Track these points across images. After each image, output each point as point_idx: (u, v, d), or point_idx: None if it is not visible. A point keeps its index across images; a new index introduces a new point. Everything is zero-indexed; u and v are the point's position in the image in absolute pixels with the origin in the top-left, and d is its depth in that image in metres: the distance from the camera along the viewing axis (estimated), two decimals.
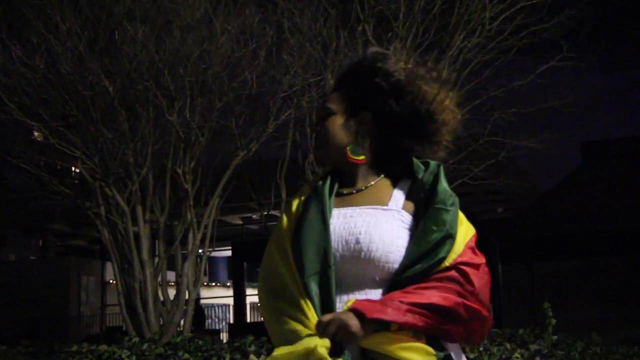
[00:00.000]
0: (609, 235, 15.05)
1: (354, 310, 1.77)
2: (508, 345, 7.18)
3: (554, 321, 7.00)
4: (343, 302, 1.85)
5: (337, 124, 2.04)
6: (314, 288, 1.85)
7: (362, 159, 2.04)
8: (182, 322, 9.77)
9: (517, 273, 17.42)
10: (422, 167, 2.02)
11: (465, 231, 1.94)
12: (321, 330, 1.77)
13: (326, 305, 1.84)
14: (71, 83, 9.51)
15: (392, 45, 9.80)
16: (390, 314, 1.77)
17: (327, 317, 1.78)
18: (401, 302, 1.79)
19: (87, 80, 9.39)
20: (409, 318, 1.78)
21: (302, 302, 1.84)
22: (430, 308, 1.80)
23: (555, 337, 7.29)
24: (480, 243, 2.00)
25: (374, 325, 1.78)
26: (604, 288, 17.52)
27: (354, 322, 1.76)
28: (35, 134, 11.49)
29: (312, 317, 1.82)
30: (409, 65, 2.07)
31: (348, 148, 2.03)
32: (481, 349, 7.07)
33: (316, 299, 1.84)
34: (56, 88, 9.67)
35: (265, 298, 2.00)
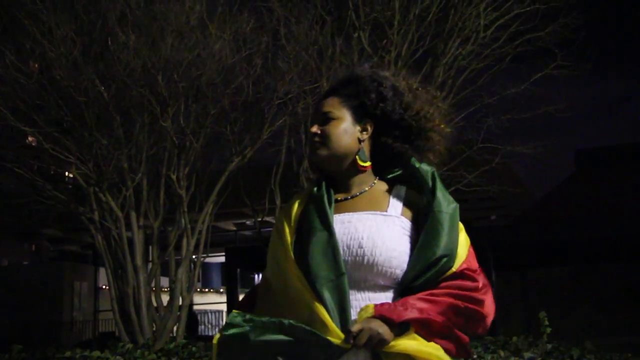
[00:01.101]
0: (602, 242, 15.08)
1: (380, 316, 1.79)
2: (502, 353, 7.18)
3: (548, 330, 7.00)
4: (354, 309, 1.87)
5: (339, 129, 2.05)
6: (327, 295, 1.86)
7: (369, 165, 2.07)
8: (175, 328, 9.74)
9: (511, 280, 17.44)
10: (420, 172, 2.04)
11: (465, 237, 1.98)
12: (351, 340, 1.77)
13: (340, 312, 1.85)
14: (65, 88, 9.50)
15: (389, 55, 9.84)
16: (413, 313, 1.80)
17: (356, 327, 1.79)
18: (417, 305, 1.83)
19: (81, 86, 9.37)
20: (429, 315, 1.82)
21: (318, 310, 1.84)
22: (444, 311, 1.85)
23: (549, 344, 7.29)
24: (474, 250, 2.03)
25: (398, 329, 1.80)
26: (597, 295, 17.55)
27: (384, 329, 1.78)
28: (29, 139, 11.46)
29: (331, 325, 1.82)
30: (410, 82, 2.13)
31: (357, 156, 2.05)
32: (475, 356, 7.07)
33: (330, 306, 1.85)
34: (50, 93, 9.66)
35: (272, 303, 2.00)
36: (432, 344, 1.83)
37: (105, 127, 9.95)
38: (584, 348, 7.62)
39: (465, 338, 1.93)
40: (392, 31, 10.34)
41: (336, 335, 1.80)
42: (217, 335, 1.93)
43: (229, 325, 1.91)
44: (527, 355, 7.09)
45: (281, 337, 1.82)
